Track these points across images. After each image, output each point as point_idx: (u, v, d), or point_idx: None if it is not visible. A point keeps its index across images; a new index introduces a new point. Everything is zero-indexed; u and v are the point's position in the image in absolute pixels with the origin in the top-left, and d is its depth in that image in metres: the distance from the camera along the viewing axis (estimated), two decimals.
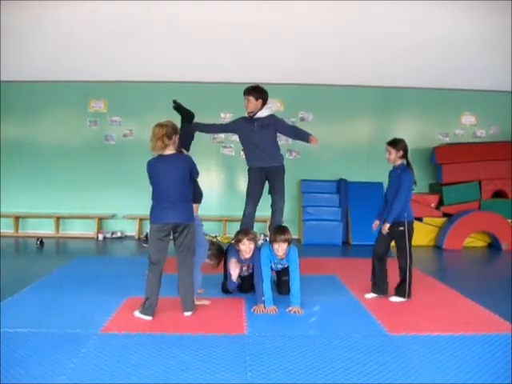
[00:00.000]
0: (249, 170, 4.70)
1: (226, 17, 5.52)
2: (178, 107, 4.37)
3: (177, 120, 3.82)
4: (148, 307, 3.57)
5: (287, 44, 6.24)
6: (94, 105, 7.74)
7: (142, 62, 6.87)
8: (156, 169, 3.61)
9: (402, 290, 4.11)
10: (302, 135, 4.59)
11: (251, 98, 4.45)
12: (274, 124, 4.54)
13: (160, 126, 3.56)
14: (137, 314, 3.60)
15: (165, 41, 6.19)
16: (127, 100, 7.71)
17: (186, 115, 4.40)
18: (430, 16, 5.45)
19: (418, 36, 5.94)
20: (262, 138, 4.49)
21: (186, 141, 4.23)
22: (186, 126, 4.35)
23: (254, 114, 4.47)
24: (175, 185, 3.57)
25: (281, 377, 2.65)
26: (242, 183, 4.93)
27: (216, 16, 5.49)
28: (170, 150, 3.60)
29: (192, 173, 3.70)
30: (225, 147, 7.74)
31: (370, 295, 4.22)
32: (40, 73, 7.29)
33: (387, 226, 4.05)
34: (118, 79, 7.48)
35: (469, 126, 7.99)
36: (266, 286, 3.84)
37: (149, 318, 3.56)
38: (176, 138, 3.65)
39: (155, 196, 3.65)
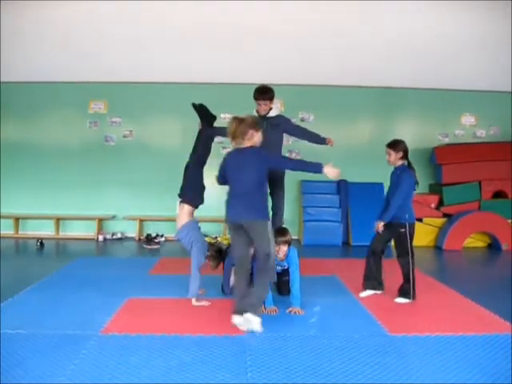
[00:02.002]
0: None
1: (225, 17, 5.52)
2: (199, 109, 4.33)
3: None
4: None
5: (287, 44, 6.23)
6: (93, 106, 7.75)
7: (141, 62, 6.87)
8: (228, 163, 3.62)
9: (407, 291, 4.09)
10: (316, 139, 4.53)
11: (268, 102, 4.39)
12: (283, 124, 4.51)
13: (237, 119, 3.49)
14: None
15: (164, 41, 6.19)
16: (127, 101, 7.72)
17: (208, 117, 4.35)
18: (430, 16, 5.45)
19: (417, 36, 5.94)
20: (270, 138, 4.47)
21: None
22: (206, 129, 4.30)
23: (267, 114, 4.46)
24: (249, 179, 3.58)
25: (281, 377, 2.65)
26: None
27: (216, 16, 5.49)
28: (250, 142, 3.52)
29: (267, 163, 3.58)
30: (225, 148, 7.73)
31: (365, 293, 4.20)
32: (40, 74, 7.30)
33: (381, 223, 4.03)
34: (118, 80, 7.48)
35: (469, 127, 8.00)
36: None
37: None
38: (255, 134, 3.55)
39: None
